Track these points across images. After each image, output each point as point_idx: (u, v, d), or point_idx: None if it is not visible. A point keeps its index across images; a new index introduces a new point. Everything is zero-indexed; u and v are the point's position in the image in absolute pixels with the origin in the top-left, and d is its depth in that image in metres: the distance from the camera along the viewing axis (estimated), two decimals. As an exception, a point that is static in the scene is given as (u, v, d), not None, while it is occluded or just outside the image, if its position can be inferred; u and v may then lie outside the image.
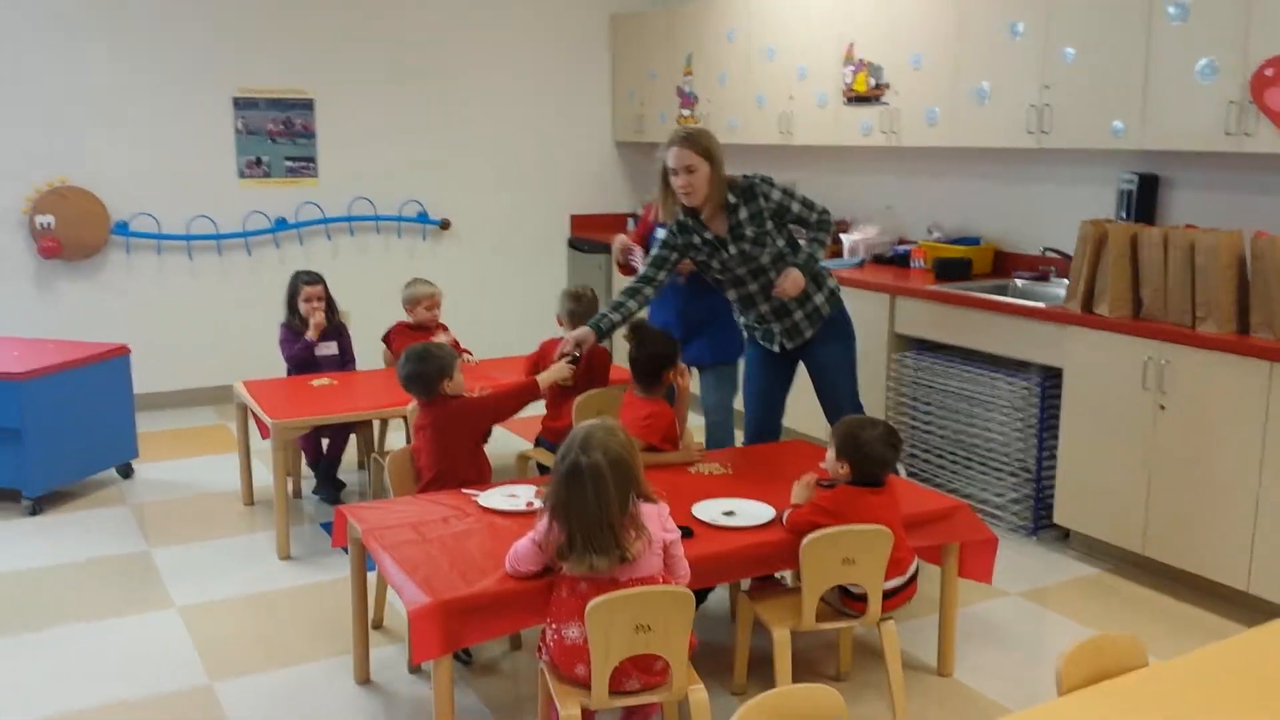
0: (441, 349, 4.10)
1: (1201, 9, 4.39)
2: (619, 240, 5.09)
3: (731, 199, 4.30)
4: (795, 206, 4.37)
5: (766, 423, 4.72)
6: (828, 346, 4.55)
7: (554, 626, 2.98)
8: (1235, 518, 4.19)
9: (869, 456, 3.44)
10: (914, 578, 3.55)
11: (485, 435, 4.21)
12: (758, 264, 4.35)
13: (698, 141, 4.22)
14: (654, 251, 4.40)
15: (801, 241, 4.42)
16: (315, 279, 5.55)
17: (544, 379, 4.24)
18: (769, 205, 4.32)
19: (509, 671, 3.86)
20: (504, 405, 4.15)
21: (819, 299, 4.46)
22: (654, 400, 4.12)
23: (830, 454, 3.51)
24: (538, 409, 4.80)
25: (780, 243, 4.35)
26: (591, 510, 2.86)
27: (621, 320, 4.30)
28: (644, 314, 4.49)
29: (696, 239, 4.35)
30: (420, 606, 2.94)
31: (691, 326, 4.70)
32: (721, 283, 4.50)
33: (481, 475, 3.99)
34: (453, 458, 3.94)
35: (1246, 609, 4.24)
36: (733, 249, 4.33)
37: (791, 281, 4.27)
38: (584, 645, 2.89)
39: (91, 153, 6.79)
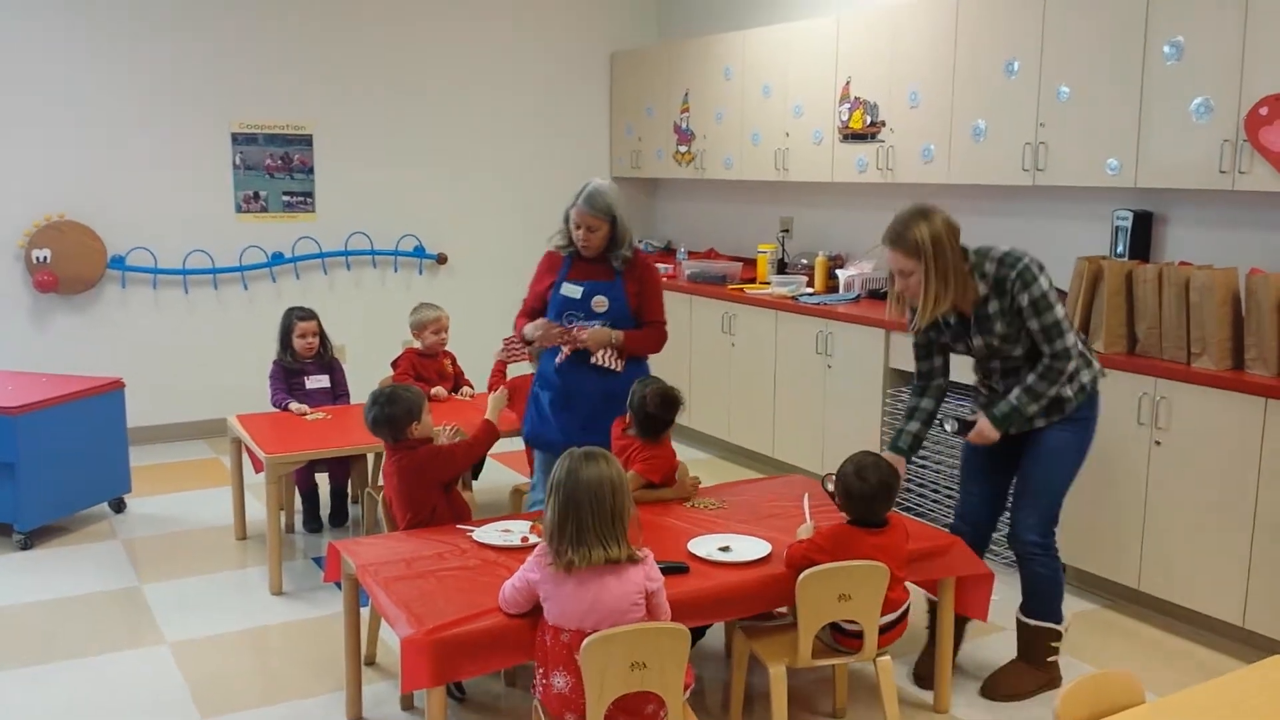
0: (409, 391, 3.99)
1: (1196, 48, 4.42)
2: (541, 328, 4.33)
3: (981, 290, 3.68)
4: (1033, 325, 3.64)
5: (984, 512, 4.02)
6: (1059, 431, 3.79)
7: (541, 670, 2.97)
8: (1231, 553, 4.18)
9: (847, 492, 3.45)
10: (904, 614, 3.54)
11: (457, 477, 4.05)
12: (1010, 357, 3.74)
13: (906, 239, 3.60)
14: (913, 340, 3.93)
15: (1029, 379, 3.70)
16: (309, 314, 5.55)
17: (492, 415, 4.07)
18: (1016, 306, 3.65)
19: (503, 709, 3.83)
20: (472, 452, 4.02)
21: (1067, 391, 3.72)
22: (658, 444, 4.10)
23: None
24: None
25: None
26: (604, 500, 2.89)
27: (925, 429, 3.91)
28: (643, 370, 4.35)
29: (940, 319, 3.76)
30: (412, 636, 2.93)
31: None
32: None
33: (460, 518, 3.89)
34: (426, 505, 3.86)
35: (1243, 644, 4.23)
36: (977, 341, 3.76)
37: (981, 437, 3.77)
38: (570, 694, 2.89)
39: (89, 187, 6.80)
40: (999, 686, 3.88)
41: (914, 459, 5.42)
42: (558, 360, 4.33)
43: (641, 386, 4.04)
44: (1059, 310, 3.64)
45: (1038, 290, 3.61)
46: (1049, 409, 3.74)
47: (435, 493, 3.88)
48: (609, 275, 4.33)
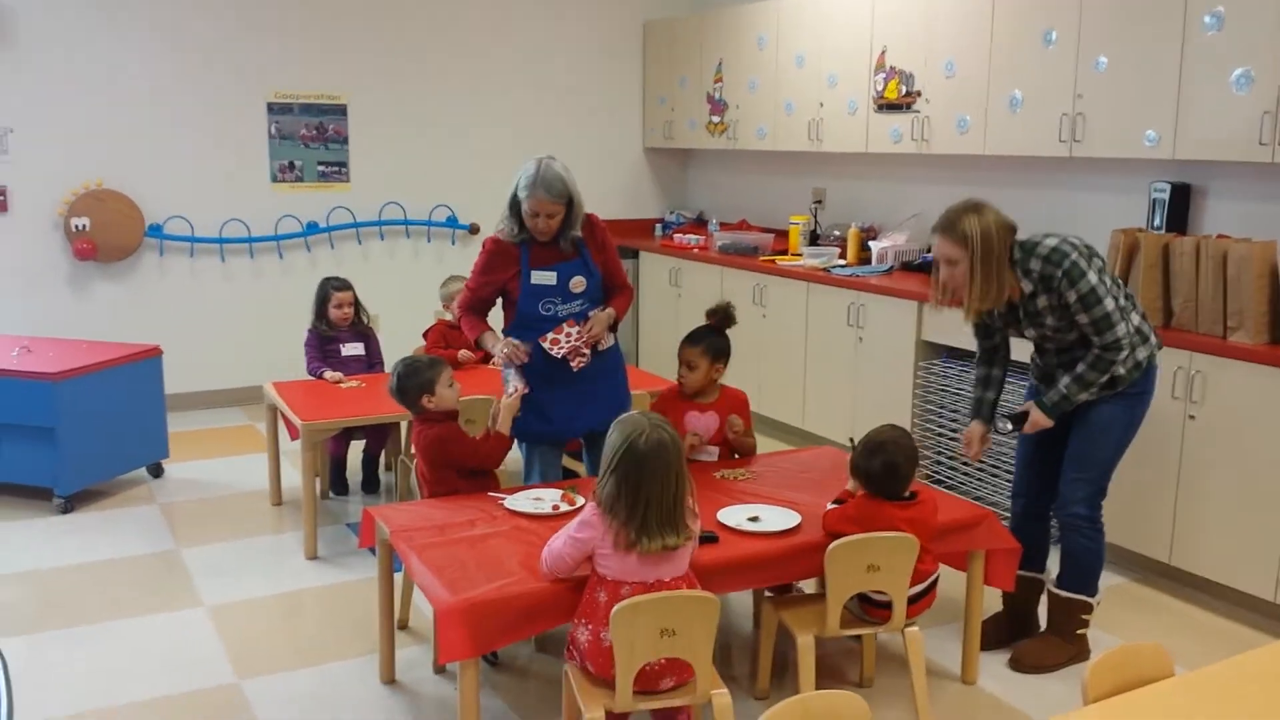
0: (427, 363, 3.98)
1: (1237, 19, 4.36)
2: (511, 346, 4.01)
3: (1027, 287, 3.66)
4: (1082, 319, 3.59)
5: (1037, 484, 4.00)
6: (1109, 405, 3.75)
7: (590, 628, 2.97)
8: (1263, 528, 4.16)
9: (857, 466, 3.47)
10: (933, 585, 3.55)
11: (472, 468, 3.94)
12: (1066, 341, 3.73)
13: (956, 229, 3.58)
14: (971, 322, 3.89)
15: (1079, 368, 3.67)
16: (344, 285, 5.63)
17: (504, 427, 3.91)
18: (1064, 301, 3.61)
19: (534, 672, 3.87)
20: (491, 457, 3.91)
21: (1120, 370, 3.67)
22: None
23: None
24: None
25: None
26: (669, 485, 2.90)
27: (999, 395, 3.96)
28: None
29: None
30: (449, 606, 2.95)
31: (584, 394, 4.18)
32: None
33: (486, 490, 3.85)
34: (448, 482, 3.86)
35: (1274, 619, 4.21)
36: (1030, 331, 3.80)
37: (1035, 428, 3.77)
38: None
39: (127, 156, 6.87)
40: (1027, 658, 3.89)
41: (943, 434, 5.45)
42: (576, 366, 4.07)
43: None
44: (1109, 303, 3.57)
45: (1085, 286, 3.55)
46: (1102, 385, 3.72)
47: (451, 474, 3.87)
48: (573, 252, 4.14)
